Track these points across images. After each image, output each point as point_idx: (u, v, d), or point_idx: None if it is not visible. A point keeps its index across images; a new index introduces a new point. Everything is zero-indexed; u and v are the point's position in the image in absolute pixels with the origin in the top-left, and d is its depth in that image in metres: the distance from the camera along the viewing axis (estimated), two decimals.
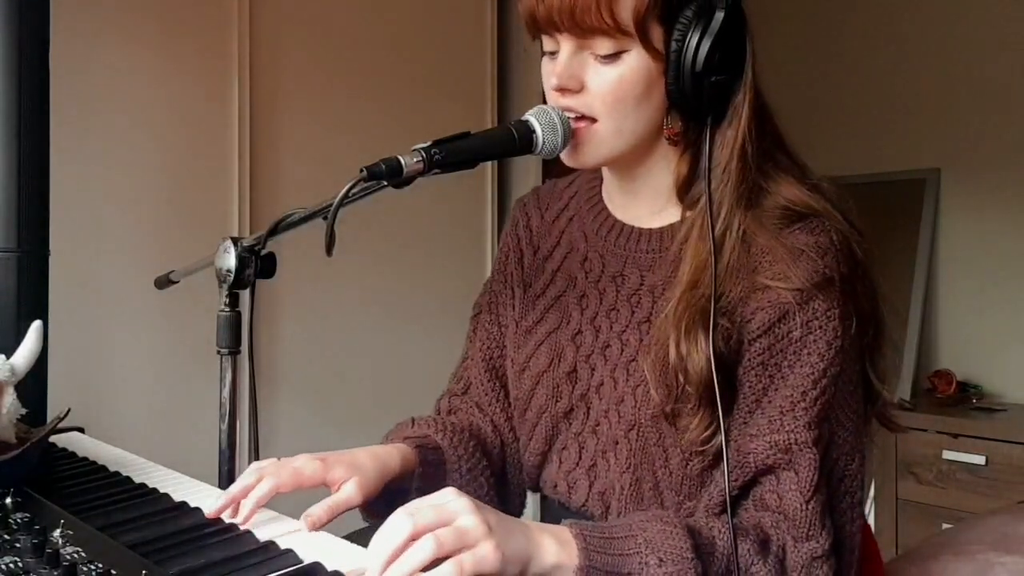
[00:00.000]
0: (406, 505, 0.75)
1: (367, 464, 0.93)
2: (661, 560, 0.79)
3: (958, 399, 2.69)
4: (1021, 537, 1.22)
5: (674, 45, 0.89)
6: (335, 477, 0.91)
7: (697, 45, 0.88)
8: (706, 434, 0.89)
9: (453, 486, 0.99)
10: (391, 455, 0.97)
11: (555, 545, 0.77)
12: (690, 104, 0.91)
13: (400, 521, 0.72)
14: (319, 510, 0.86)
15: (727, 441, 0.88)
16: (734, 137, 0.92)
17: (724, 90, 0.91)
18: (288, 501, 0.89)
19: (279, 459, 0.92)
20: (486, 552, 0.72)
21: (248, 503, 0.86)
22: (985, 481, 2.40)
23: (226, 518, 0.86)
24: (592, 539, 0.79)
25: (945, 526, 2.33)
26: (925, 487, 2.52)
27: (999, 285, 2.75)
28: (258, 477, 0.88)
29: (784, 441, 0.86)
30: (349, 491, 0.90)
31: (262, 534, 0.81)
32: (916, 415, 2.55)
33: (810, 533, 0.85)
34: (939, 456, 2.48)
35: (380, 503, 0.94)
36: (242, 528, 0.83)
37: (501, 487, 1.11)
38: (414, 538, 0.71)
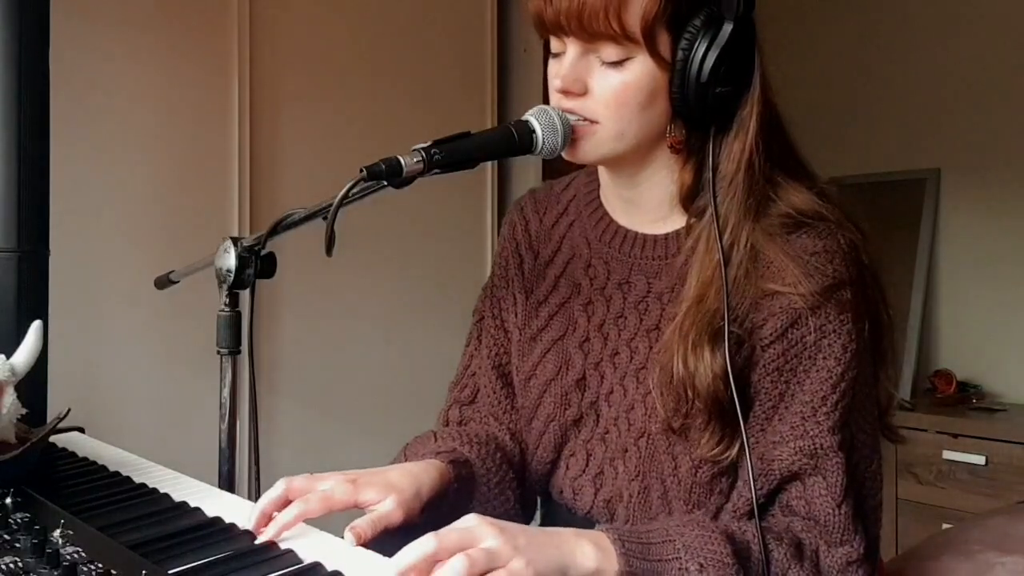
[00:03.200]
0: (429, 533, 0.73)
1: (402, 482, 0.90)
2: (702, 566, 0.78)
3: (958, 399, 2.69)
4: (1021, 537, 1.22)
5: (680, 54, 0.88)
6: (366, 499, 0.87)
7: (704, 55, 0.87)
8: (718, 449, 0.88)
9: (481, 500, 0.98)
10: (428, 472, 0.93)
11: (593, 550, 0.77)
12: (694, 114, 0.90)
13: (426, 542, 0.71)
14: (364, 524, 0.83)
15: (748, 451, 0.87)
16: (740, 150, 0.90)
17: (729, 102, 0.90)
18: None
19: (310, 474, 0.88)
20: (519, 568, 0.71)
21: (272, 529, 0.81)
22: (985, 481, 2.40)
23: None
24: (630, 544, 0.78)
25: (945, 526, 2.33)
26: (925, 487, 2.51)
27: (999, 285, 2.75)
28: (285, 489, 0.85)
29: (809, 447, 0.86)
30: (388, 507, 0.86)
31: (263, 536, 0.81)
32: (916, 415, 2.54)
33: (844, 538, 0.85)
34: (939, 456, 2.48)
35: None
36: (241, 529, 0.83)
37: (522, 495, 1.08)
38: (439, 559, 0.70)
